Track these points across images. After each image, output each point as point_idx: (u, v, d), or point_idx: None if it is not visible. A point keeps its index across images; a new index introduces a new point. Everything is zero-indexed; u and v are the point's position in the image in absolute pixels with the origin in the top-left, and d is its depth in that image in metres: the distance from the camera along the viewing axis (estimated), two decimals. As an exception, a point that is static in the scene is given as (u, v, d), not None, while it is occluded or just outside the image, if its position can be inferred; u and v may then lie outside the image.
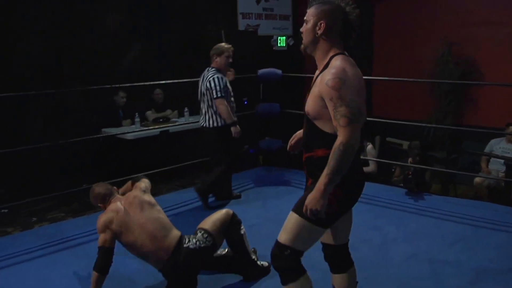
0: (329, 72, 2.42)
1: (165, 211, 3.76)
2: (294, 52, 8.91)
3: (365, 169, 6.69)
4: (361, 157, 6.57)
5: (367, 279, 3.73)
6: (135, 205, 3.56)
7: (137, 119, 6.98)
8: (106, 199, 3.68)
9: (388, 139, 8.19)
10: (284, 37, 8.51)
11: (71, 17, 7.15)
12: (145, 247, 3.45)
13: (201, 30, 8.17)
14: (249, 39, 7.92)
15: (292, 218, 2.59)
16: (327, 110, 2.42)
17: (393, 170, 6.36)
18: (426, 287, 3.64)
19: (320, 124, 2.52)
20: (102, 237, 3.49)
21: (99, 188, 3.73)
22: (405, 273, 3.85)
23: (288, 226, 2.60)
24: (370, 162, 6.66)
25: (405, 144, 7.48)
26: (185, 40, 8.13)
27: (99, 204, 3.72)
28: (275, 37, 8.34)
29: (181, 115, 7.75)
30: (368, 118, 6.59)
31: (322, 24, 2.51)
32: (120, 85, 6.46)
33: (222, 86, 5.23)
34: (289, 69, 6.40)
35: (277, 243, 2.63)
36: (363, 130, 2.43)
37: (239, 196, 5.80)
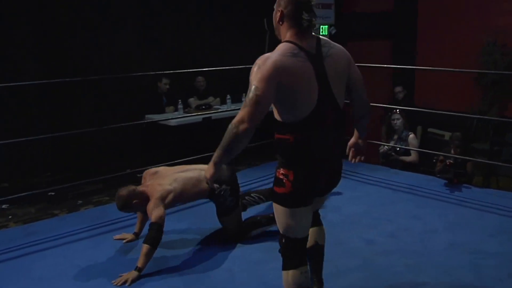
0: None
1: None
2: (337, 41, 8.87)
3: (406, 158, 6.62)
4: (404, 147, 6.53)
5: (408, 266, 3.75)
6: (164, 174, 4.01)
7: (180, 106, 7.10)
8: (136, 190, 3.86)
9: (430, 129, 8.09)
10: (326, 26, 8.46)
11: (118, 4, 7.29)
12: (190, 191, 3.91)
13: (243, 18, 8.21)
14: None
15: (274, 208, 2.68)
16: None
17: (434, 161, 6.27)
18: (466, 277, 3.61)
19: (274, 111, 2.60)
20: (157, 213, 3.67)
21: (123, 190, 3.88)
22: (446, 262, 3.82)
23: (275, 216, 2.69)
24: (411, 152, 6.58)
25: (447, 135, 7.38)
26: (227, 29, 8.18)
27: (134, 201, 3.83)
28: (317, 26, 8.29)
29: (223, 102, 7.82)
30: (410, 108, 6.64)
31: (278, 12, 2.59)
32: (164, 72, 6.56)
33: None
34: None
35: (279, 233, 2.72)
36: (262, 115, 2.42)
37: None
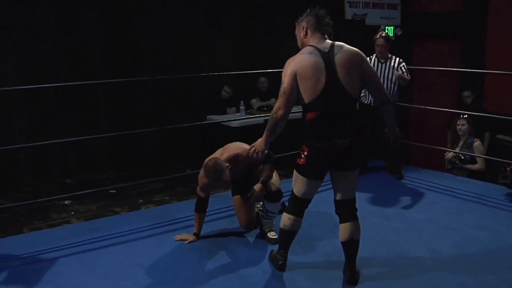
0: None
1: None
2: (402, 43, 8.66)
3: (472, 167, 6.36)
4: (469, 153, 6.27)
5: (475, 278, 3.58)
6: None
7: (242, 107, 7.07)
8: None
9: (498, 136, 7.76)
10: (392, 27, 8.28)
11: (184, 7, 7.34)
12: None
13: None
14: (356, 29, 7.76)
15: (294, 173, 3.43)
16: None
17: (502, 169, 6.01)
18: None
19: None
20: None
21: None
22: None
23: (293, 177, 3.45)
24: (478, 159, 6.30)
25: (518, 142, 7.08)
26: (288, 29, 8.10)
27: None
28: (382, 26, 8.13)
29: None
30: (478, 113, 6.38)
31: (303, 30, 3.39)
32: (227, 73, 6.54)
33: None
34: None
35: None
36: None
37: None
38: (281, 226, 3.56)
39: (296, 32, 3.47)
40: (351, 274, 3.50)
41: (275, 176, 4.20)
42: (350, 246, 3.46)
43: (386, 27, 8.18)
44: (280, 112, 3.23)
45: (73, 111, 6.71)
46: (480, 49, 8.20)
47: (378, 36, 5.92)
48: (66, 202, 5.68)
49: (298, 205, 3.48)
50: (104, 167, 6.98)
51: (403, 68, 5.87)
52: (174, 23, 7.33)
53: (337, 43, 3.29)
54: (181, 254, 4.08)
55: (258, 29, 8.01)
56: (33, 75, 6.35)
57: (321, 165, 3.31)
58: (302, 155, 3.30)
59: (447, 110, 6.73)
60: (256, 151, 3.36)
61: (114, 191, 5.94)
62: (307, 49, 3.27)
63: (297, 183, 3.42)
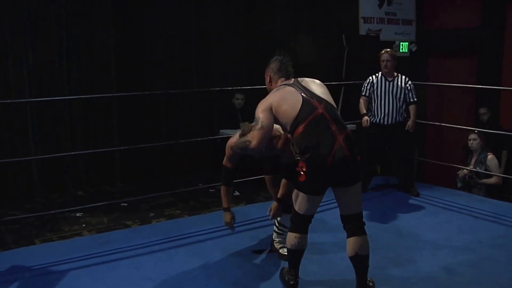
0: None
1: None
2: (417, 59, 8.61)
3: (488, 180, 6.29)
4: (481, 169, 6.21)
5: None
6: None
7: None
8: None
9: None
10: (406, 43, 8.24)
11: (201, 21, 7.36)
12: None
13: (322, 35, 8.10)
14: (371, 44, 7.74)
15: (295, 191, 3.48)
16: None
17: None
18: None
19: None
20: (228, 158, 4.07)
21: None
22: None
23: (294, 194, 3.50)
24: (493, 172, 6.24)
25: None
26: (306, 45, 8.09)
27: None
28: (397, 42, 8.10)
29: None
30: (494, 131, 6.31)
31: (268, 77, 3.67)
32: (240, 87, 6.54)
33: (364, 85, 6.03)
34: (411, 76, 6.17)
35: None
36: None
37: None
38: (288, 246, 3.56)
39: (265, 77, 3.73)
40: None
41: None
42: (357, 261, 3.44)
43: (401, 43, 8.14)
44: (254, 144, 3.37)
45: (86, 124, 6.73)
46: (497, 66, 8.12)
47: (383, 52, 5.94)
48: (77, 214, 5.68)
49: (302, 223, 3.50)
50: (115, 180, 6.98)
51: (409, 87, 5.91)
52: (187, 32, 7.35)
53: (299, 78, 3.56)
54: (191, 269, 4.05)
55: (270, 44, 7.99)
56: (47, 87, 6.38)
57: (321, 178, 3.31)
58: (302, 172, 3.30)
59: (463, 127, 6.65)
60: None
61: (125, 204, 5.94)
62: (274, 89, 3.54)
63: (299, 201, 3.45)
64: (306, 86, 3.44)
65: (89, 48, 6.68)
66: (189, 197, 6.24)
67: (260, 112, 3.39)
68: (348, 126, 3.51)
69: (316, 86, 3.49)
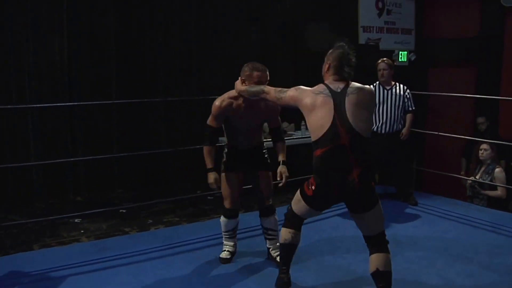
0: None
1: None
2: (416, 68, 8.64)
3: (491, 193, 6.24)
4: (487, 181, 6.20)
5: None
6: None
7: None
8: None
9: (512, 163, 7.67)
10: (405, 52, 8.27)
11: (215, 28, 7.41)
12: None
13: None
14: (370, 53, 7.76)
15: (297, 194, 3.57)
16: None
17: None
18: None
19: None
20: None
21: None
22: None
23: (295, 198, 3.59)
24: (498, 186, 6.19)
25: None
26: (303, 53, 8.11)
27: None
28: (396, 51, 8.12)
29: (297, 128, 7.69)
30: (493, 141, 6.32)
31: (327, 65, 3.47)
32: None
33: None
34: (410, 85, 6.20)
35: None
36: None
37: None
38: (282, 241, 3.66)
39: (324, 60, 3.53)
40: None
41: (268, 189, 4.27)
42: (377, 277, 3.42)
43: (400, 52, 8.17)
44: (265, 95, 3.70)
45: (86, 129, 6.74)
46: (496, 75, 8.16)
47: (380, 61, 6.01)
48: (76, 220, 5.68)
49: (297, 221, 3.62)
50: (115, 186, 6.97)
51: (408, 95, 5.97)
52: (189, 41, 7.36)
53: (353, 83, 3.40)
54: (189, 277, 4.06)
55: (272, 51, 8.02)
56: (48, 93, 6.39)
57: (327, 201, 3.48)
58: (311, 187, 3.38)
59: (461, 136, 6.68)
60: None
61: (124, 211, 5.94)
62: (319, 88, 3.39)
63: (299, 205, 3.54)
64: (348, 104, 3.28)
65: (90, 54, 6.68)
66: (188, 204, 6.24)
67: (291, 93, 3.49)
68: None
69: (356, 108, 3.29)
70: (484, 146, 6.34)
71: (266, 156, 4.34)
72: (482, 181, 6.27)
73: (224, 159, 4.34)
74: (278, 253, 4.15)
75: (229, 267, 4.24)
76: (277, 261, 4.14)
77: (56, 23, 6.41)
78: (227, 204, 4.30)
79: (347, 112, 3.25)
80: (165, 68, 7.20)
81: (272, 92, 3.62)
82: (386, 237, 3.48)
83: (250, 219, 5.11)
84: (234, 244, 4.43)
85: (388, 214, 5.61)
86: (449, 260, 4.39)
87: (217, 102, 4.10)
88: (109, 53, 6.82)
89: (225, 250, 4.39)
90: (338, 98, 3.29)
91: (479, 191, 6.28)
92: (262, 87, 3.75)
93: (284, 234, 3.63)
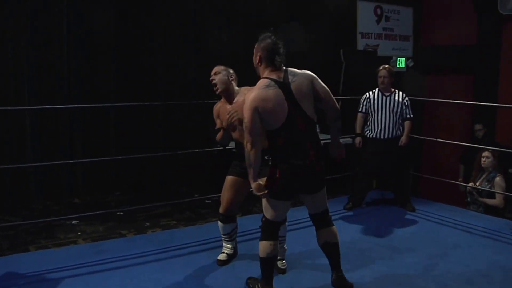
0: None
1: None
2: (414, 74, 8.66)
3: (489, 201, 6.19)
4: (487, 188, 6.18)
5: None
6: None
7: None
8: None
9: (510, 170, 7.67)
10: (403, 59, 8.29)
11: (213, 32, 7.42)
12: None
13: (320, 49, 8.13)
14: (368, 59, 7.79)
15: (264, 199, 3.64)
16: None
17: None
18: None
19: None
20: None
21: None
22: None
23: (263, 202, 3.67)
24: (496, 195, 6.15)
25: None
26: (303, 58, 8.12)
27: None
28: (394, 58, 8.15)
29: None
30: (491, 148, 6.32)
31: (257, 56, 3.56)
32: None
33: (361, 101, 6.08)
34: (408, 91, 6.21)
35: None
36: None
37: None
38: (263, 255, 3.66)
39: (254, 52, 3.62)
40: (337, 277, 3.74)
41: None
42: (327, 249, 3.72)
43: (398, 59, 8.19)
44: (249, 146, 3.45)
45: (84, 132, 6.73)
46: (493, 83, 8.19)
47: (381, 68, 6.00)
48: (73, 222, 5.67)
49: (273, 229, 3.69)
50: (112, 189, 6.96)
51: (406, 102, 5.97)
52: (187, 45, 7.37)
53: (289, 69, 3.54)
54: (185, 280, 4.06)
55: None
56: (46, 95, 6.39)
57: (291, 185, 3.54)
58: (275, 177, 3.51)
59: (459, 143, 6.69)
60: (261, 193, 3.55)
61: (121, 213, 5.93)
62: (263, 82, 3.49)
63: (271, 208, 3.64)
64: (295, 93, 3.45)
65: (88, 57, 6.69)
66: (185, 208, 6.24)
67: (246, 110, 3.45)
68: (344, 140, 3.76)
69: (303, 94, 3.48)
70: (486, 153, 6.29)
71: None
72: (481, 188, 6.26)
73: (232, 164, 4.41)
74: (282, 259, 4.23)
75: (226, 271, 4.24)
76: (279, 268, 4.18)
77: (55, 25, 6.42)
78: (220, 208, 4.32)
79: (297, 100, 3.45)
80: (164, 71, 7.20)
81: (246, 137, 3.49)
82: (329, 213, 3.76)
83: (247, 222, 5.11)
84: (232, 247, 4.44)
85: (386, 220, 5.71)
86: (447, 267, 4.39)
87: (214, 107, 4.37)
88: (108, 56, 6.83)
89: (223, 252, 4.43)
90: (284, 88, 3.44)
91: (477, 198, 6.27)
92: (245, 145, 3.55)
93: (265, 247, 3.65)
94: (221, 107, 4.25)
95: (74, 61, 6.56)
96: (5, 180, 6.20)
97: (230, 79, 4.18)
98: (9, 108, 5.78)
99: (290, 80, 3.47)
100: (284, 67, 3.54)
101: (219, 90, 4.15)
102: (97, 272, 4.18)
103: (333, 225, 3.74)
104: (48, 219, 5.36)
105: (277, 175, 3.48)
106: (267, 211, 3.66)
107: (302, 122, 3.45)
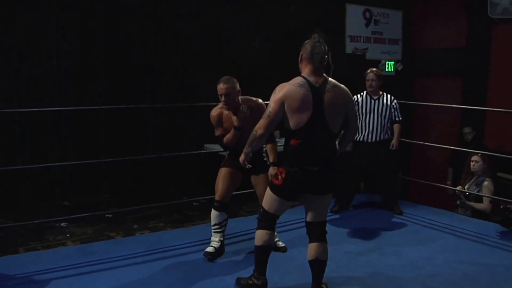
0: None
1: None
2: (403, 78, 8.71)
3: (476, 205, 6.21)
4: (477, 192, 6.20)
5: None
6: None
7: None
8: None
9: (499, 174, 7.71)
10: (392, 62, 8.34)
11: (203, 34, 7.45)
12: None
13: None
14: (357, 63, 7.82)
15: (267, 191, 3.75)
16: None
17: (501, 207, 5.95)
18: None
19: None
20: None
21: None
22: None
23: (265, 194, 3.77)
24: (484, 199, 6.16)
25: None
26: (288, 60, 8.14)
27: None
28: (383, 61, 8.19)
29: (282, 135, 7.69)
30: (480, 152, 6.35)
31: (301, 55, 3.62)
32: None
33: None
34: (397, 95, 6.25)
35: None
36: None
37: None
38: (260, 243, 3.74)
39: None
40: None
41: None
42: (316, 265, 3.68)
43: (387, 62, 8.23)
44: (260, 132, 3.55)
45: (74, 134, 6.72)
46: (482, 86, 8.24)
47: (368, 71, 6.03)
48: (62, 224, 5.68)
49: (270, 220, 3.76)
50: (101, 191, 6.96)
51: (395, 105, 6.01)
52: (177, 48, 7.39)
53: (330, 80, 3.58)
54: (172, 282, 4.06)
55: (256, 58, 8.03)
56: (36, 97, 6.38)
57: (295, 188, 3.60)
58: (280, 177, 3.60)
59: (447, 147, 6.73)
60: (245, 161, 3.76)
61: (110, 215, 5.93)
62: (298, 80, 3.54)
63: (270, 201, 3.71)
64: (326, 103, 3.49)
65: (78, 60, 6.68)
66: (173, 210, 6.25)
67: (273, 101, 3.53)
68: None
69: (332, 107, 3.51)
70: (475, 158, 6.28)
71: (265, 159, 4.59)
72: (468, 191, 6.28)
73: (225, 159, 4.68)
74: (279, 241, 4.60)
75: (212, 272, 4.25)
76: (279, 247, 4.55)
77: (45, 28, 6.41)
78: (216, 196, 4.53)
79: (324, 109, 3.47)
80: (153, 74, 7.20)
81: (261, 121, 3.59)
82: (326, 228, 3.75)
83: (234, 225, 5.14)
84: (219, 240, 4.56)
85: (373, 223, 5.74)
86: (433, 269, 4.42)
87: (212, 113, 4.51)
88: (98, 59, 6.81)
89: (211, 245, 4.54)
90: (316, 94, 3.47)
91: (464, 201, 6.30)
92: (254, 128, 3.65)
93: (262, 236, 3.73)
94: (223, 114, 4.46)
95: (63, 64, 6.54)
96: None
97: (238, 96, 4.41)
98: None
99: (326, 89, 3.51)
100: (325, 75, 3.59)
101: (229, 109, 4.39)
102: (85, 273, 4.18)
103: (326, 241, 3.71)
104: (37, 221, 5.35)
105: (283, 175, 3.57)
106: (267, 203, 3.74)
107: (320, 131, 3.49)
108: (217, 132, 4.51)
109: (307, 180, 3.54)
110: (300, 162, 3.52)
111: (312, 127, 3.47)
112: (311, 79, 3.52)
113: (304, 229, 3.78)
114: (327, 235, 3.70)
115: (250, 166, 3.85)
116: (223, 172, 4.55)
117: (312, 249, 3.67)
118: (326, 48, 3.59)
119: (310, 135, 3.47)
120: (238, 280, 3.96)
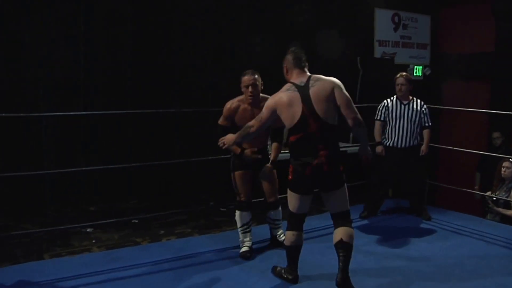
0: None
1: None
2: (430, 82, 8.60)
3: (505, 211, 6.06)
4: (503, 197, 6.09)
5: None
6: None
7: (268, 142, 7.00)
8: None
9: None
10: (420, 67, 8.23)
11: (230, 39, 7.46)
12: None
13: (338, 56, 8.10)
14: (385, 67, 7.74)
15: (287, 191, 3.96)
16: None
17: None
18: None
19: None
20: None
21: None
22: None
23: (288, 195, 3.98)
24: (512, 206, 6.07)
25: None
26: (319, 66, 8.09)
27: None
28: (411, 66, 8.09)
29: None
30: (506, 156, 6.22)
31: (285, 68, 4.00)
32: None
33: (379, 108, 6.04)
34: (425, 99, 6.15)
35: None
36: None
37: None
38: (287, 243, 4.05)
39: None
40: (342, 277, 3.79)
41: (271, 187, 4.78)
42: (340, 248, 3.83)
43: (415, 66, 8.13)
44: (252, 129, 3.93)
45: (101, 139, 6.76)
46: (511, 91, 8.09)
47: (398, 76, 5.94)
48: (88, 230, 5.67)
49: (297, 221, 3.99)
50: (128, 196, 6.97)
51: (425, 110, 5.91)
52: (204, 53, 7.39)
53: (314, 76, 3.89)
54: (199, 288, 4.03)
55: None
56: (62, 102, 6.43)
57: (302, 181, 3.85)
58: (290, 172, 3.89)
59: (475, 152, 6.61)
60: (224, 142, 4.12)
61: (136, 221, 5.92)
62: (286, 86, 3.88)
63: (291, 200, 3.95)
64: (312, 97, 3.76)
65: (105, 64, 6.72)
66: (200, 216, 6.22)
67: (266, 108, 3.89)
68: (351, 149, 3.76)
69: (320, 99, 3.77)
70: (506, 164, 6.19)
71: (269, 157, 4.83)
72: (495, 197, 6.17)
73: (232, 159, 4.78)
74: (284, 237, 4.51)
75: (239, 280, 4.21)
76: (284, 244, 4.39)
77: (73, 32, 6.47)
78: (241, 197, 4.72)
79: (313, 103, 3.75)
80: (181, 78, 7.22)
81: (255, 121, 3.95)
82: (351, 217, 3.96)
83: (262, 231, 5.16)
84: (250, 239, 4.77)
85: (401, 229, 5.66)
86: (464, 276, 4.34)
87: (227, 104, 4.65)
88: (125, 63, 6.86)
89: (244, 246, 4.69)
90: (303, 91, 3.79)
91: (492, 207, 6.18)
92: (247, 124, 4.01)
93: (289, 237, 4.01)
94: (240, 108, 4.61)
95: (90, 68, 6.60)
96: (20, 188, 6.22)
97: (261, 88, 4.62)
98: (23, 114, 5.74)
99: (310, 85, 3.80)
100: (309, 73, 3.91)
101: (253, 100, 4.54)
102: (111, 280, 4.17)
103: (351, 227, 3.91)
104: (63, 226, 5.36)
105: (291, 170, 3.85)
106: (290, 203, 3.97)
107: (314, 124, 3.73)
108: (222, 122, 4.66)
109: (309, 173, 3.76)
110: (300, 155, 3.80)
111: (305, 122, 3.73)
112: (297, 81, 3.85)
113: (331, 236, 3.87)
114: (352, 223, 3.93)
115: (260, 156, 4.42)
116: (237, 175, 4.72)
117: (336, 233, 3.88)
118: (303, 49, 3.96)
119: (305, 129, 3.74)
120: (274, 267, 4.27)
